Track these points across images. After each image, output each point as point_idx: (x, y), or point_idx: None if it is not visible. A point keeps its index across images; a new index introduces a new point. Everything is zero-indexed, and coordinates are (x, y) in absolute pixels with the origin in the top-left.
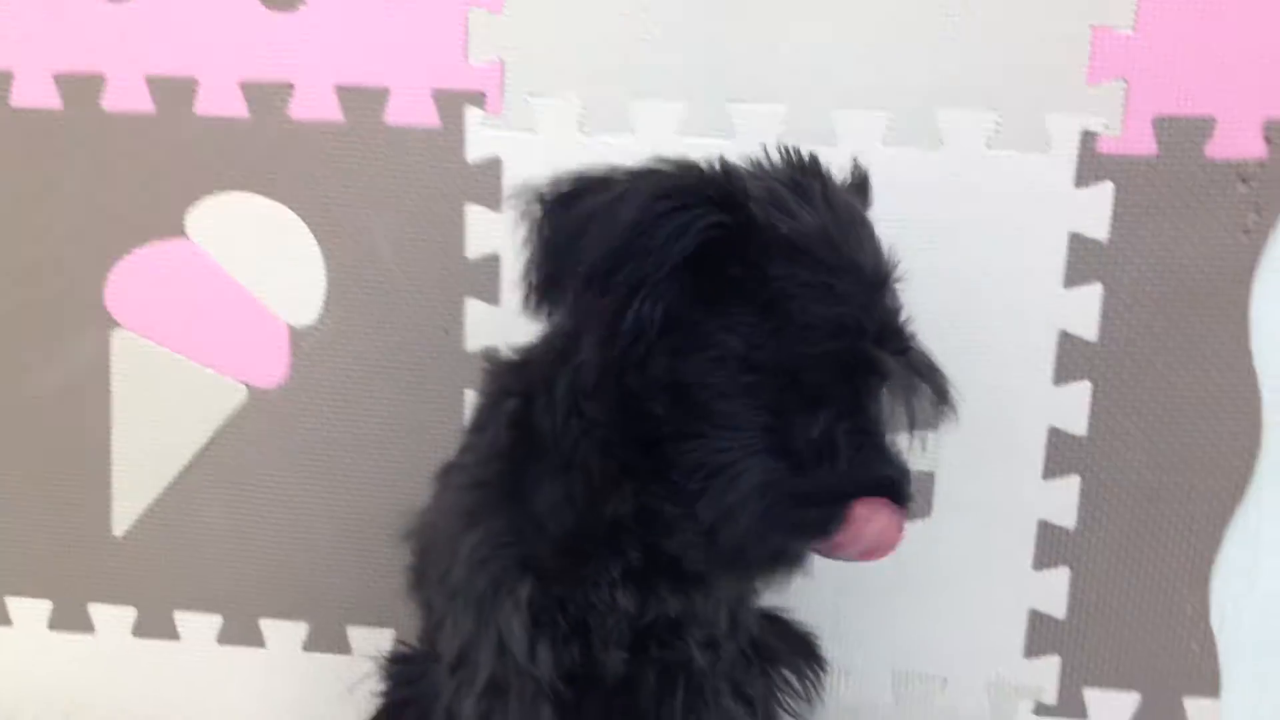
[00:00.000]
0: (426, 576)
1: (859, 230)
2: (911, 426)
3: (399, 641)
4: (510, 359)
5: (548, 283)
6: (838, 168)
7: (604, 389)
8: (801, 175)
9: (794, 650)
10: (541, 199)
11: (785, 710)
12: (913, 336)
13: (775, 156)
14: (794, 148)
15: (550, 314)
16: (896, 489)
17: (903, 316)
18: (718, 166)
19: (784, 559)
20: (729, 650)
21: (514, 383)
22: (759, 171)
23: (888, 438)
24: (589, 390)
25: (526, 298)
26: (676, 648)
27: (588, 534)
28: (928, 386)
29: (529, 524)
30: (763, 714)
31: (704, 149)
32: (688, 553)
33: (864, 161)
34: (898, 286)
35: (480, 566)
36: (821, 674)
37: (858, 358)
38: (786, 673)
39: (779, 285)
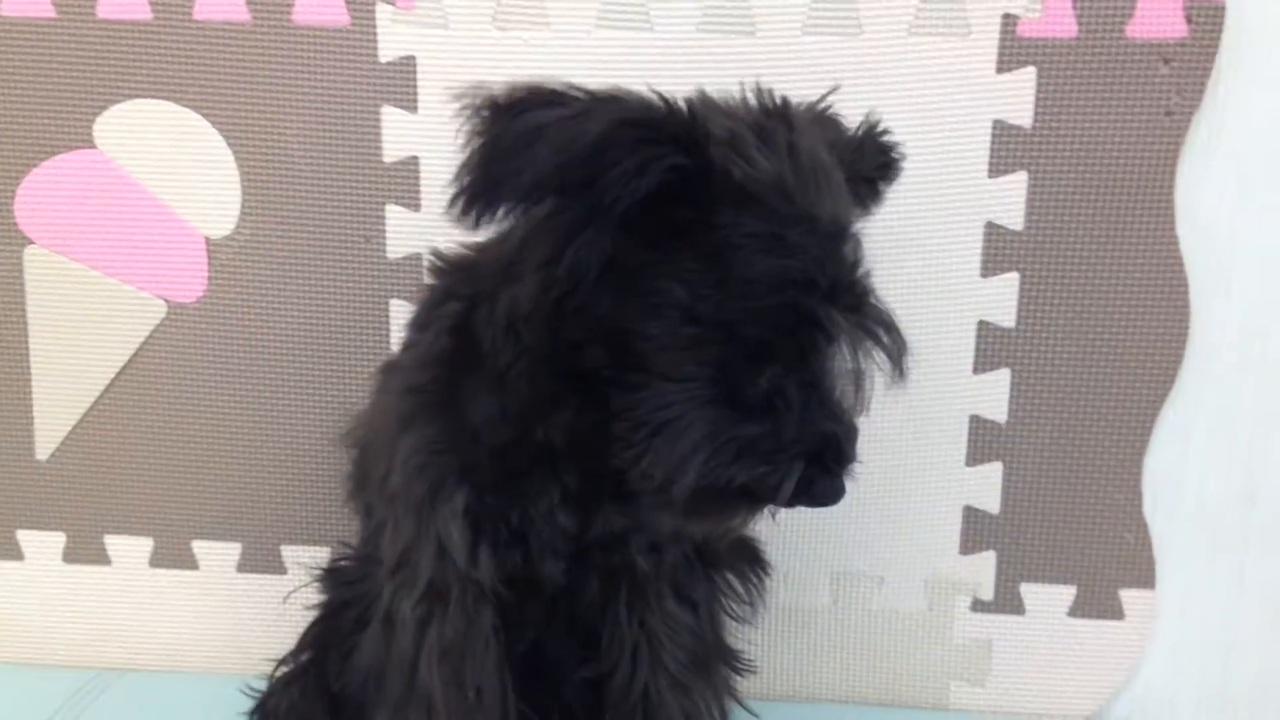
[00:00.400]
0: (368, 479)
1: (820, 180)
2: (859, 385)
3: (340, 545)
4: (459, 256)
5: (484, 189)
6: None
7: (538, 319)
8: (767, 119)
9: (736, 554)
10: (493, 103)
11: (728, 613)
12: (869, 292)
13: (748, 96)
14: (767, 89)
15: (479, 223)
16: (838, 448)
17: (860, 271)
18: (684, 105)
19: (737, 509)
20: (672, 554)
21: (459, 285)
22: (725, 111)
23: (836, 393)
24: (525, 316)
25: (456, 202)
26: (619, 553)
27: (523, 452)
28: (880, 347)
29: (464, 434)
30: (706, 616)
31: (621, 42)
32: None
33: (876, 119)
34: (858, 239)
35: (418, 472)
36: (764, 577)
37: (804, 313)
38: (729, 576)
39: (725, 234)
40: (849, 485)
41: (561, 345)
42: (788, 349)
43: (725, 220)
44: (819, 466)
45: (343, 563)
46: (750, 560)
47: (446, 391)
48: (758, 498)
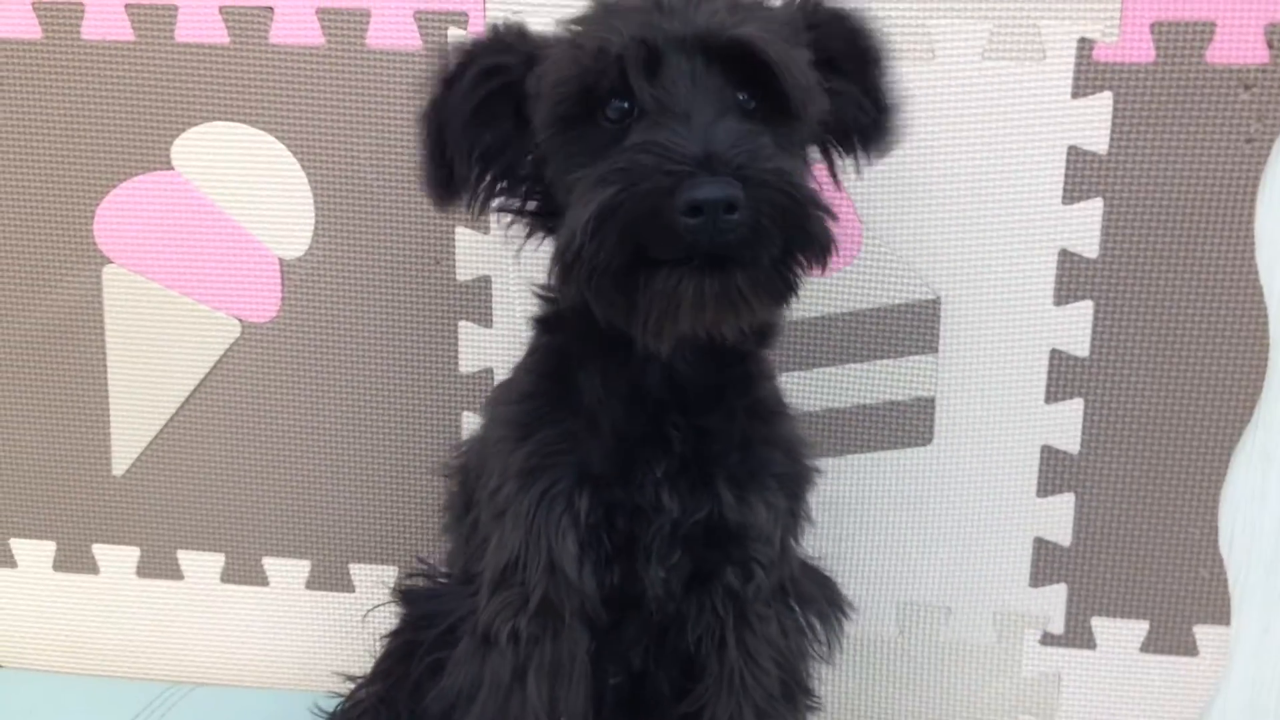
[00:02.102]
0: (474, 500)
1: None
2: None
3: (419, 561)
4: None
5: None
6: None
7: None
8: None
9: (820, 593)
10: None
11: (810, 652)
12: (736, 38)
13: None
14: None
15: (442, 201)
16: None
17: (712, 26)
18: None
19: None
20: (774, 579)
21: (549, 294)
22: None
23: (686, 120)
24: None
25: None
26: (734, 572)
27: (636, 423)
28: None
29: (583, 429)
30: (796, 648)
31: None
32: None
33: None
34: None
35: (530, 476)
36: (844, 618)
37: (610, 79)
38: (811, 616)
39: (545, 66)
40: (722, 190)
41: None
42: (633, 118)
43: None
44: (658, 174)
45: (418, 580)
46: (831, 600)
47: (562, 392)
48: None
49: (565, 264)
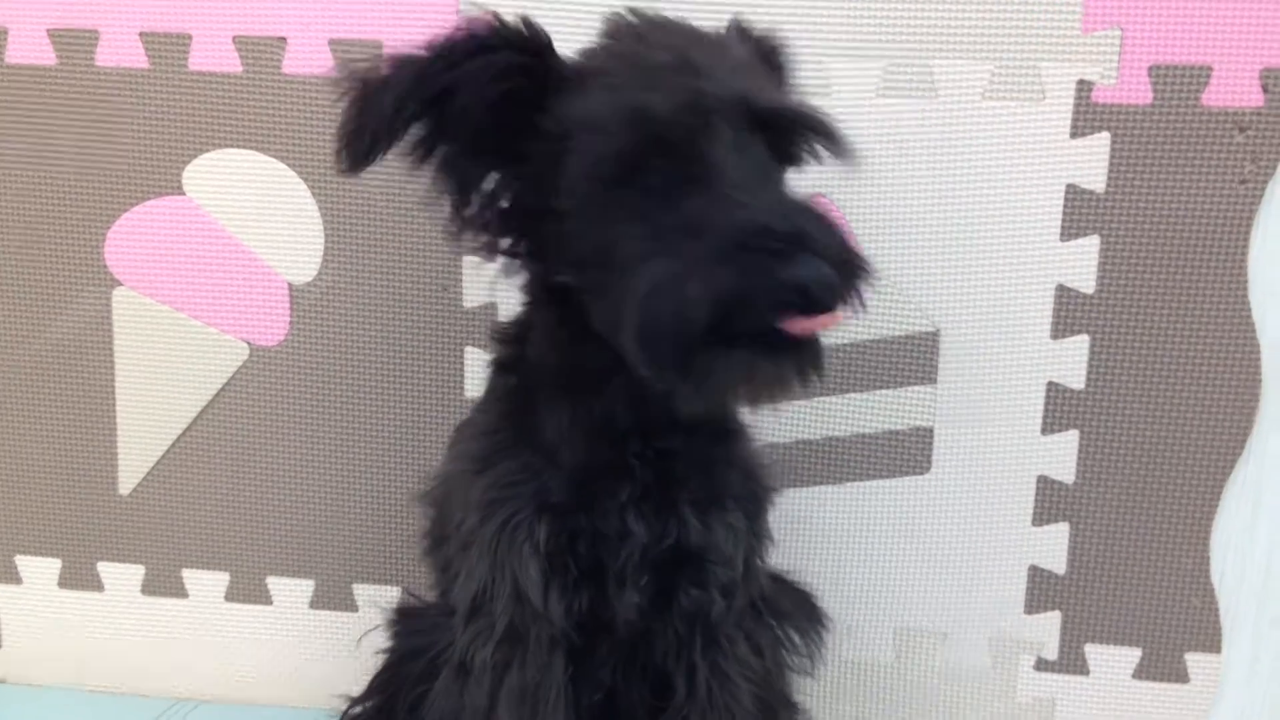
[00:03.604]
0: (445, 534)
1: (666, 37)
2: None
3: (408, 593)
4: (504, 324)
5: (355, 130)
6: None
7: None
8: (619, 28)
9: (797, 607)
10: (359, 78)
11: (790, 665)
12: (771, 104)
13: None
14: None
15: (357, 165)
16: (765, 228)
17: (749, 90)
18: (519, 19)
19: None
20: (741, 600)
21: (508, 337)
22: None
23: (757, 194)
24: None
25: (337, 157)
26: (694, 596)
27: (597, 454)
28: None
29: (542, 458)
30: (772, 664)
31: None
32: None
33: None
34: (744, 74)
35: (491, 508)
36: (823, 630)
37: (660, 140)
38: (790, 630)
39: (575, 107)
40: (828, 273)
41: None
42: (690, 185)
43: (565, 101)
44: (767, 254)
45: (411, 603)
46: (809, 615)
47: (519, 425)
48: (714, 321)
49: (652, 331)
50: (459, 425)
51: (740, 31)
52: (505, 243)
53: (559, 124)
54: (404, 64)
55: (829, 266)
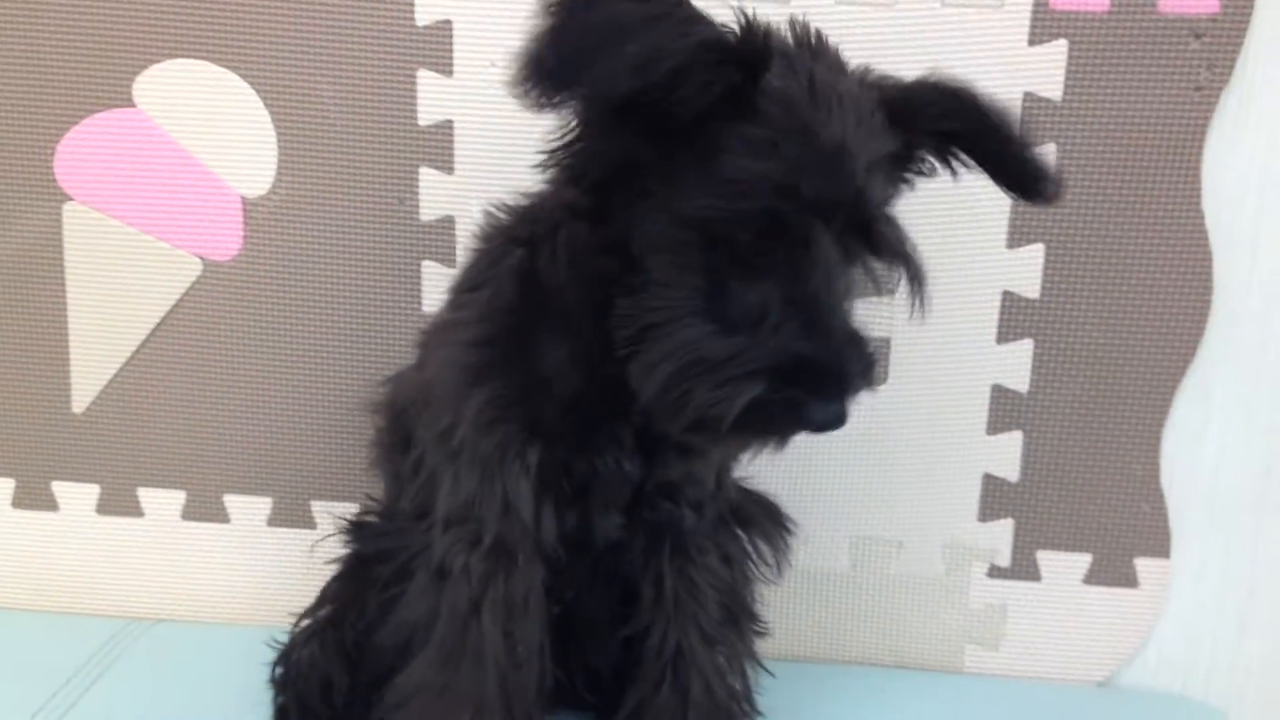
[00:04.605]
0: (411, 437)
1: (834, 103)
2: (846, 300)
3: (369, 499)
4: (516, 205)
5: (558, 68)
6: None
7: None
8: (797, 46)
9: (765, 515)
10: None
11: (755, 576)
12: (876, 216)
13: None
14: (805, 23)
15: (543, 104)
16: (816, 368)
17: (870, 195)
18: (760, 29)
19: (711, 426)
20: (711, 512)
21: (519, 231)
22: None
23: (831, 314)
24: (584, 246)
25: (525, 77)
26: (666, 509)
27: (594, 398)
28: (886, 270)
29: (536, 385)
30: (739, 574)
31: None
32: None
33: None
34: (876, 170)
35: (487, 428)
36: (789, 538)
37: (784, 221)
38: (757, 539)
39: (721, 137)
40: (848, 413)
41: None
42: (780, 264)
43: (723, 125)
44: (801, 388)
45: (369, 518)
46: (776, 522)
47: (516, 343)
48: (721, 420)
49: (667, 395)
50: (441, 323)
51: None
52: (572, 193)
53: (712, 148)
54: (637, 32)
55: (847, 405)
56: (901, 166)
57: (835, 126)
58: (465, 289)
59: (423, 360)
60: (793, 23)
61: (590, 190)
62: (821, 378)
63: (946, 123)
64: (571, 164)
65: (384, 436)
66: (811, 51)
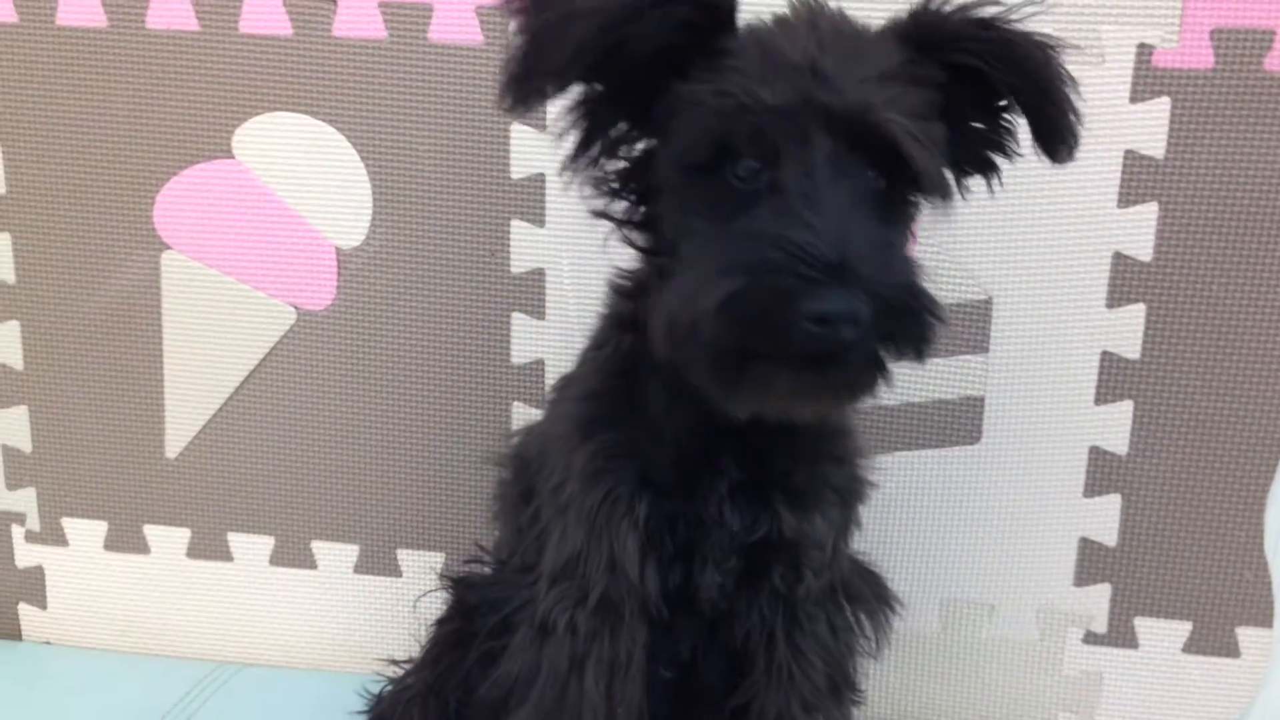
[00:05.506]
0: (533, 490)
1: (807, 30)
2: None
3: (477, 547)
4: (633, 269)
5: (526, 70)
6: None
7: None
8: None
9: (871, 590)
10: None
11: (859, 649)
12: (879, 124)
13: None
14: None
15: (526, 106)
16: (804, 257)
17: (860, 103)
18: None
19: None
20: (823, 582)
21: (626, 291)
22: None
23: (814, 208)
24: None
25: (503, 94)
26: (785, 576)
27: (699, 443)
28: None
29: (646, 434)
30: (844, 645)
31: None
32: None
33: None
34: (870, 84)
35: (594, 479)
36: (892, 615)
37: (760, 133)
38: (860, 613)
39: (698, 86)
40: (853, 304)
41: None
42: (766, 186)
43: (700, 75)
44: (789, 275)
45: (474, 566)
46: (881, 600)
47: (627, 393)
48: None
49: (674, 338)
50: (563, 379)
51: (901, 32)
52: (620, 206)
53: (687, 96)
54: (582, 11)
55: (867, 305)
56: (933, 90)
57: (805, 44)
58: (593, 348)
59: (547, 415)
60: None
61: (639, 203)
62: (809, 263)
63: (973, 58)
64: (615, 183)
65: (508, 489)
66: (809, 9)
